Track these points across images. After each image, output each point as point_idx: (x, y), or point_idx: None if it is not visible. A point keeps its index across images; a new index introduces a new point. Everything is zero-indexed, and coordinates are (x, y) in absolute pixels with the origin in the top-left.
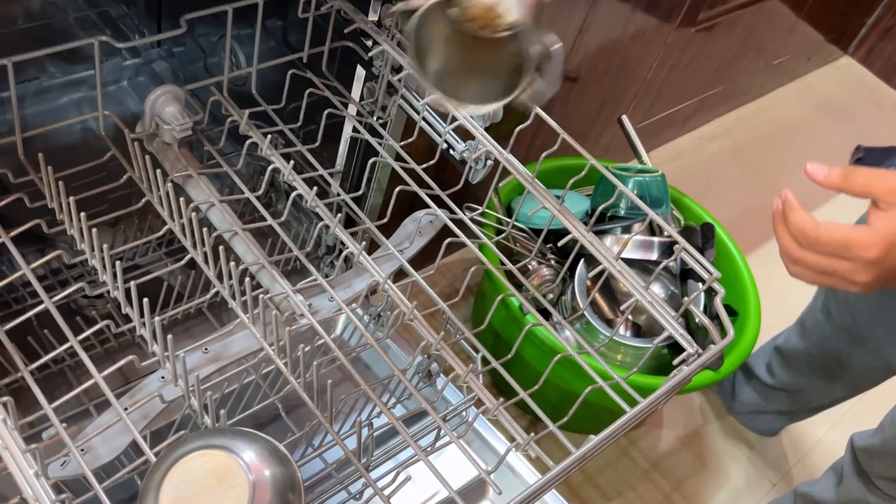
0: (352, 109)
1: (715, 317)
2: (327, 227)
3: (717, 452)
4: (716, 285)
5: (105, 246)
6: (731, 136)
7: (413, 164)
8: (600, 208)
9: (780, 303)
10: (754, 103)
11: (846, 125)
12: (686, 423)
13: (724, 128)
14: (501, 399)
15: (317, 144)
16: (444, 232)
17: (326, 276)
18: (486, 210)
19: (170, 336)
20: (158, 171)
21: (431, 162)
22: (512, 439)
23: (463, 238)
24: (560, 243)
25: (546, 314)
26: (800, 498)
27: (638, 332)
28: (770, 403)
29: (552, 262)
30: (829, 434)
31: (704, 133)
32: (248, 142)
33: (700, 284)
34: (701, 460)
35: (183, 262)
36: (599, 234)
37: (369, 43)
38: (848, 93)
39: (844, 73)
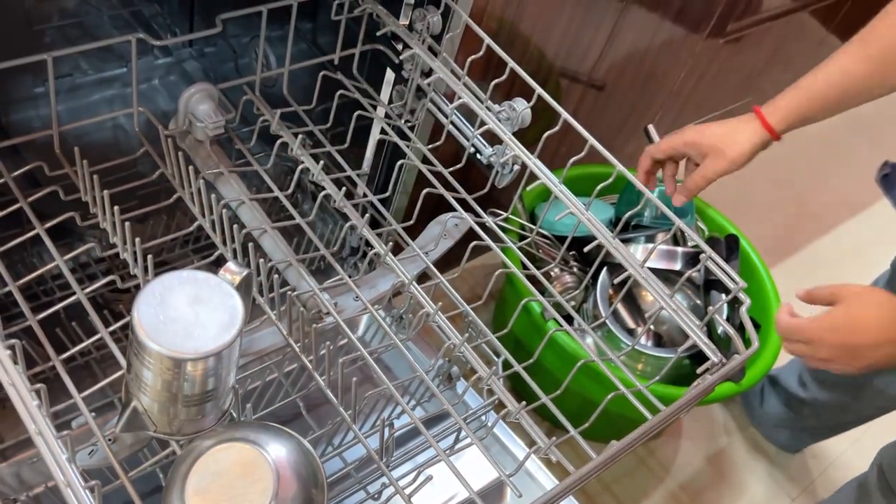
0: (380, 112)
1: (739, 327)
2: (353, 227)
3: (736, 465)
4: (741, 295)
5: (138, 239)
6: (762, 151)
7: (440, 168)
8: (625, 217)
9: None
10: None
11: (874, 140)
12: (706, 435)
13: None
14: (524, 402)
15: (345, 146)
16: (469, 236)
17: (351, 277)
18: (510, 216)
19: None
20: (190, 167)
21: (458, 165)
22: (531, 444)
23: (488, 241)
24: (585, 249)
25: (568, 320)
26: None
27: (658, 342)
28: (798, 417)
29: (574, 269)
30: (850, 450)
31: None
32: (279, 141)
33: (724, 294)
34: (720, 473)
35: (211, 258)
36: (623, 242)
37: (400, 46)
38: (875, 108)
39: None
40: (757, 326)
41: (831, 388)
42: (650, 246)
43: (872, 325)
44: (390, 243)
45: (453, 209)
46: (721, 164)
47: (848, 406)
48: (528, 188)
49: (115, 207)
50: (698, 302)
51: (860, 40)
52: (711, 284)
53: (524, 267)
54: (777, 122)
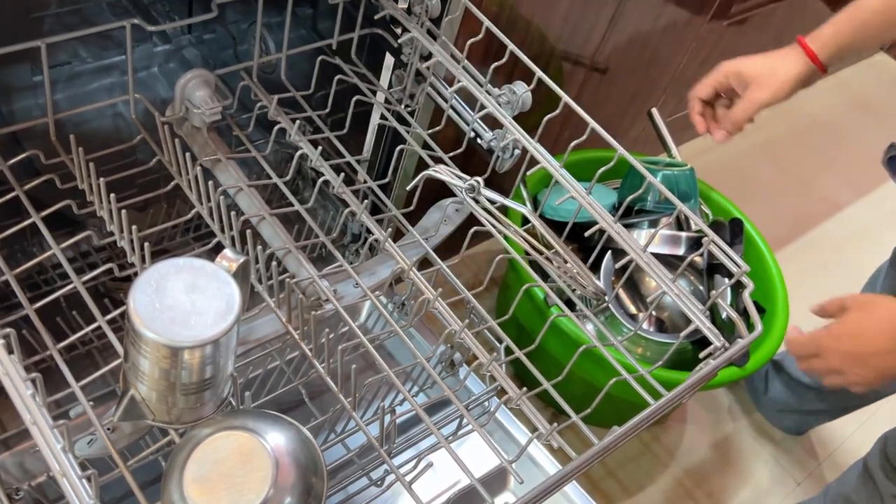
0: (380, 97)
1: (742, 312)
2: (353, 213)
3: (741, 449)
4: (744, 279)
5: (134, 227)
6: (763, 132)
7: (440, 153)
8: (627, 201)
9: (810, 300)
10: (790, 101)
11: (880, 122)
12: (710, 419)
13: (756, 123)
14: (525, 388)
15: (344, 131)
16: (470, 221)
17: (351, 264)
18: (512, 200)
19: None
20: (187, 154)
21: (459, 150)
22: (534, 430)
23: (489, 227)
24: (587, 234)
25: (570, 305)
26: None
27: (661, 327)
28: (802, 402)
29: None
30: (856, 433)
31: None
32: (276, 127)
33: (728, 279)
34: (725, 457)
35: (209, 246)
36: (626, 227)
37: (399, 30)
38: (882, 90)
39: (879, 69)
40: (761, 311)
41: None
42: (653, 230)
43: (877, 332)
44: (390, 229)
45: (454, 195)
46: (764, 94)
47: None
48: (529, 173)
49: (112, 195)
50: (701, 287)
51: None
52: (714, 268)
53: (526, 252)
54: (820, 49)
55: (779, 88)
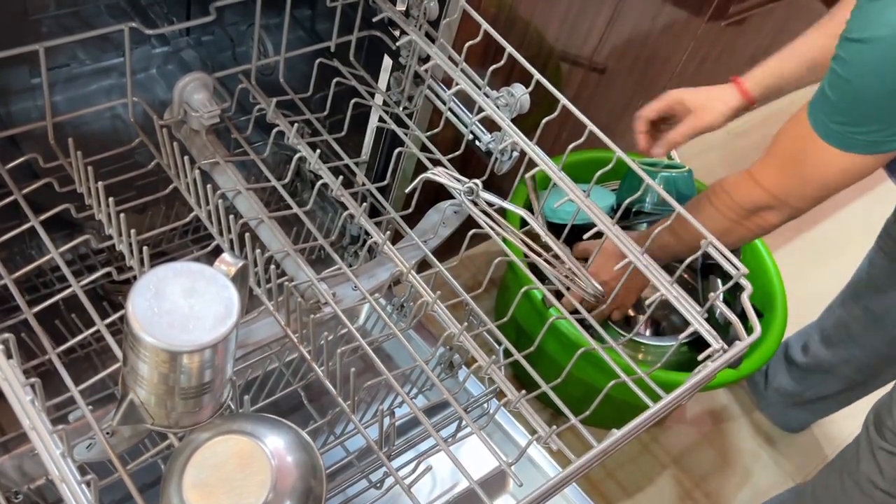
0: (378, 99)
1: (740, 313)
2: (352, 216)
3: (740, 450)
4: (743, 281)
5: (133, 231)
6: (761, 132)
7: (439, 155)
8: (625, 203)
9: (808, 300)
10: (785, 99)
11: None
12: (709, 420)
13: (754, 123)
14: (524, 391)
15: (343, 134)
16: (468, 223)
17: (350, 266)
18: (509, 202)
19: None
20: (186, 157)
21: (457, 153)
22: (533, 432)
23: (487, 230)
24: (585, 236)
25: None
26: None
27: (658, 328)
28: (804, 389)
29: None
30: (856, 432)
31: (733, 128)
32: (275, 130)
33: (723, 278)
34: (723, 457)
35: (209, 248)
36: (624, 229)
37: (397, 32)
38: None
39: None
40: (760, 315)
41: (836, 344)
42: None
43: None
44: (389, 232)
45: (452, 197)
46: (701, 122)
47: (855, 360)
48: (527, 175)
49: (110, 199)
50: (696, 286)
51: (828, 16)
52: (710, 268)
53: (524, 255)
54: (752, 87)
55: (715, 119)
